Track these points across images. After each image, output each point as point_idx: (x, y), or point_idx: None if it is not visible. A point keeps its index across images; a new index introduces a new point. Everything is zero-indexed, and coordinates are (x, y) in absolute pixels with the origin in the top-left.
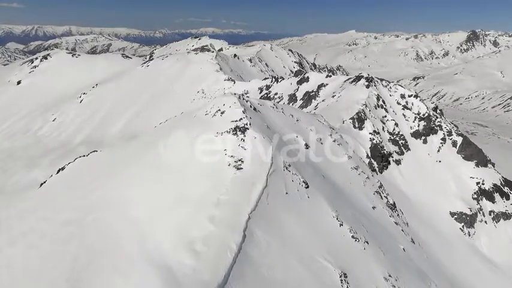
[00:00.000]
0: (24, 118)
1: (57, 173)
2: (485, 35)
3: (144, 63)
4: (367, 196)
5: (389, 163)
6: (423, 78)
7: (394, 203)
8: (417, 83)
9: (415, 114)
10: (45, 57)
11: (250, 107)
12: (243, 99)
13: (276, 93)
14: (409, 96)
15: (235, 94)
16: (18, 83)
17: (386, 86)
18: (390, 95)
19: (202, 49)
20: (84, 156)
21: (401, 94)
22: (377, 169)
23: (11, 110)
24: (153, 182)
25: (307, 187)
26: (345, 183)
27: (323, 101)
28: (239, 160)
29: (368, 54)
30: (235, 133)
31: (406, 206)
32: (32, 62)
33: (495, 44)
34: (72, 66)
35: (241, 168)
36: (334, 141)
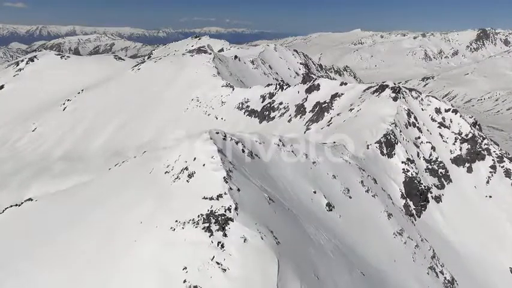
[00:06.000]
0: (3, 127)
1: None
2: (495, 34)
3: (136, 66)
4: (420, 281)
5: (427, 201)
6: (432, 78)
7: (453, 279)
8: (426, 84)
9: (456, 134)
10: (31, 60)
11: (243, 151)
12: (231, 138)
13: (280, 103)
14: (446, 110)
15: (217, 133)
16: (1, 87)
17: (417, 98)
18: (422, 110)
19: (199, 50)
20: (16, 205)
21: (436, 108)
22: (414, 212)
23: None
24: None
25: None
26: (388, 266)
27: (338, 114)
28: None
29: (374, 54)
30: (208, 228)
31: (454, 263)
32: (18, 65)
33: (506, 42)
34: (59, 69)
35: None
36: (367, 191)
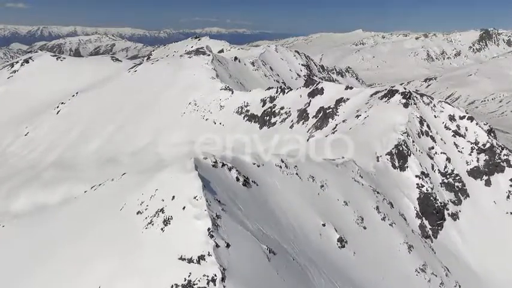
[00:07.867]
0: None
1: None
2: (498, 34)
3: (132, 67)
4: None
5: (444, 219)
6: (435, 79)
7: None
8: (429, 85)
9: (472, 143)
10: (26, 61)
11: (237, 179)
12: (222, 164)
13: (282, 108)
14: (461, 118)
15: (206, 158)
16: None
17: (428, 104)
18: (435, 117)
19: (197, 52)
20: None
21: (449, 115)
22: (431, 233)
23: None
24: None
25: None
26: None
27: (344, 121)
28: None
29: (376, 55)
30: None
31: None
32: (12, 67)
33: (509, 43)
34: (55, 71)
35: None
36: (383, 219)
